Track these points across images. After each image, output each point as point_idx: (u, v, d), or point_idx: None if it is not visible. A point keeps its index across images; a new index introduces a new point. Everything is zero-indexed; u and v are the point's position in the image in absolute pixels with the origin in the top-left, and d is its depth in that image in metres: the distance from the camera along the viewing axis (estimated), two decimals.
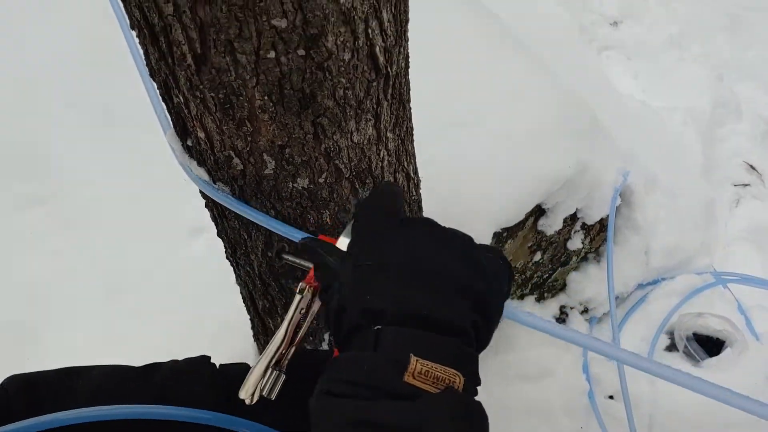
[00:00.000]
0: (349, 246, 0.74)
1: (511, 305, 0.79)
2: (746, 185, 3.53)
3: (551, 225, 2.16)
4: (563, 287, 2.55)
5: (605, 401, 2.29)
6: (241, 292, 1.28)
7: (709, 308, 2.67)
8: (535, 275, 2.37)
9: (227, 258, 1.18)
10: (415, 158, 1.14)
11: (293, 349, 0.90)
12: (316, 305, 0.91)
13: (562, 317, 2.53)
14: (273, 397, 0.86)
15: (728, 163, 3.60)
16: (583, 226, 2.36)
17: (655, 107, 3.55)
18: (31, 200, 2.61)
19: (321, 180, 0.92)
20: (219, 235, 1.15)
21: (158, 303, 2.21)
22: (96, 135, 2.62)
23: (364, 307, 0.64)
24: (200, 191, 1.02)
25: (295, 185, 0.92)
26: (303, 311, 0.90)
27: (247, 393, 0.83)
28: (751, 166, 3.61)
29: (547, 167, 1.99)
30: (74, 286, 2.38)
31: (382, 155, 0.98)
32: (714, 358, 2.46)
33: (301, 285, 0.89)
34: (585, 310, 2.59)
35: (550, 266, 2.40)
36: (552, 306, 2.46)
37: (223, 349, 1.56)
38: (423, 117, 1.95)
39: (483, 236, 1.91)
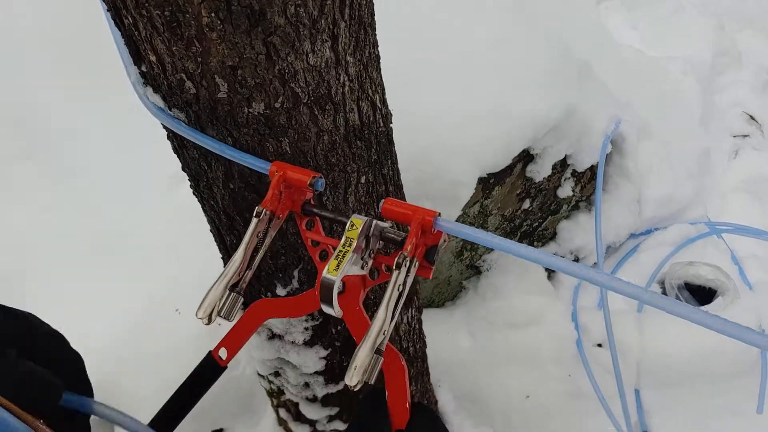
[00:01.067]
0: None
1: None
2: (745, 136, 3.48)
3: (540, 171, 2.13)
4: (553, 236, 2.53)
5: (593, 349, 2.28)
6: (210, 230, 1.26)
7: (702, 258, 2.65)
8: (524, 223, 2.34)
9: (193, 193, 1.15)
10: (382, 88, 1.11)
11: (251, 273, 0.88)
12: (274, 230, 0.90)
13: None
14: (231, 319, 0.85)
15: (728, 114, 3.54)
16: (574, 173, 2.33)
17: (654, 57, 3.48)
18: (18, 155, 2.59)
19: (277, 105, 0.89)
20: (183, 168, 1.13)
21: (146, 254, 2.21)
22: (81, 88, 2.58)
23: None
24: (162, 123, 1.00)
25: (250, 110, 0.89)
26: (260, 235, 0.88)
27: (204, 313, 0.82)
28: (751, 117, 3.54)
29: (534, 111, 1.95)
30: (62, 240, 2.37)
31: (342, 80, 0.94)
32: (704, 307, 2.44)
33: (258, 208, 0.87)
34: (576, 260, 2.56)
35: (539, 214, 2.37)
36: None
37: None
38: (406, 59, 1.91)
39: (467, 182, 1.88)
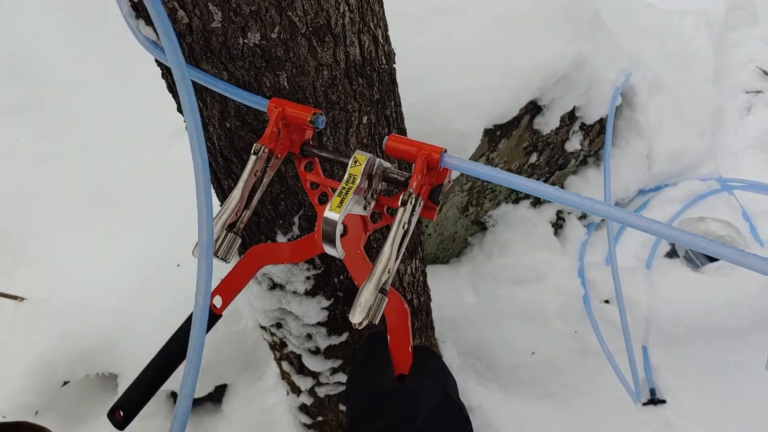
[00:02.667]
0: None
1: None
2: (758, 92, 3.40)
3: (547, 123, 2.07)
4: None
5: (600, 305, 2.25)
6: None
7: (712, 215, 2.60)
8: (531, 178, 2.29)
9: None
10: (385, 23, 1.06)
11: (249, 213, 0.85)
12: (272, 170, 0.86)
13: (559, 222, 2.47)
14: (229, 260, 0.82)
15: (741, 69, 3.46)
16: (582, 126, 2.27)
17: (667, 11, 3.39)
18: (15, 107, 2.55)
19: (274, 35, 0.85)
20: (178, 110, 1.08)
21: (145, 206, 2.18)
22: (76, 36, 2.53)
23: None
24: (155, 60, 0.95)
25: (245, 41, 0.85)
26: (258, 174, 0.85)
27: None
28: (765, 72, 3.46)
29: (542, 59, 1.89)
30: (61, 193, 2.34)
31: (342, 10, 0.89)
32: (715, 263, 2.40)
33: (255, 146, 0.83)
34: (583, 216, 2.52)
35: (547, 169, 2.32)
36: (548, 211, 2.40)
37: None
38: (412, 5, 1.85)
39: (474, 134, 1.83)
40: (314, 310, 1.32)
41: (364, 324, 0.68)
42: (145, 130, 2.27)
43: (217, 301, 0.95)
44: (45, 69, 2.51)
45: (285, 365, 1.63)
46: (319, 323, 1.37)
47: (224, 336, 1.97)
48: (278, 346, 1.56)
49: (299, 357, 1.52)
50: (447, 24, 1.82)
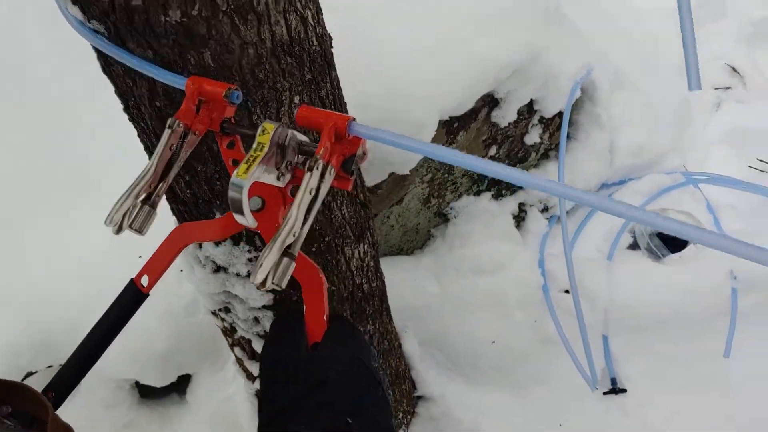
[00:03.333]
0: None
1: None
2: (728, 88, 3.45)
3: (504, 116, 2.10)
4: None
5: (560, 295, 2.28)
6: (147, 154, 1.25)
7: (677, 207, 2.64)
8: None
9: (124, 112, 1.13)
10: (316, 5, 1.07)
11: (165, 186, 0.87)
12: (190, 146, 0.88)
13: (521, 215, 2.50)
14: (144, 233, 0.84)
15: (710, 66, 3.51)
16: (541, 119, 2.30)
17: (635, 7, 3.43)
18: None
19: (194, 12, 0.86)
20: (115, 92, 1.10)
21: (120, 193, 2.18)
22: (52, 24, 2.53)
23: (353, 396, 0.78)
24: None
25: (167, 18, 0.86)
26: (174, 148, 0.87)
27: (112, 221, 0.80)
28: (734, 69, 3.51)
29: (496, 51, 1.92)
30: (33, 182, 2.35)
31: None
32: (676, 254, 2.44)
33: (170, 120, 0.85)
34: (545, 209, 2.55)
35: (507, 162, 2.35)
36: (511, 203, 2.43)
37: None
38: None
39: (429, 123, 1.86)
40: (258, 293, 1.34)
41: (269, 286, 0.70)
42: (121, 121, 2.28)
43: (144, 280, 0.96)
44: (22, 60, 2.52)
45: (237, 351, 1.65)
46: (264, 306, 1.38)
47: (184, 326, 1.98)
48: (229, 332, 1.58)
49: (249, 342, 1.53)
50: (403, 15, 1.85)
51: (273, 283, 0.70)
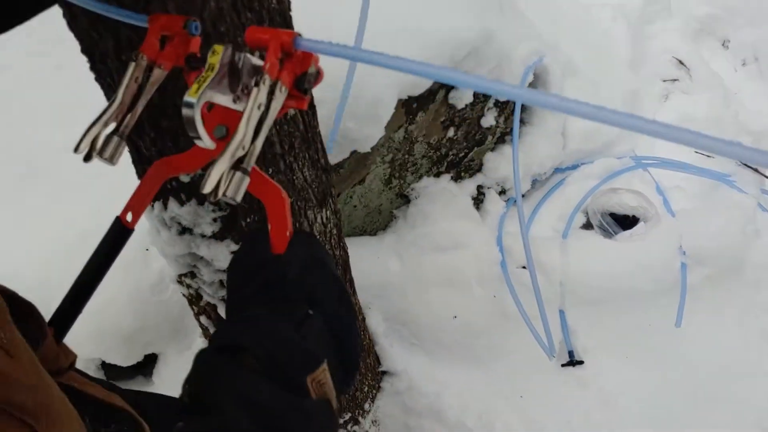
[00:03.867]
0: None
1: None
2: (675, 80, 3.59)
3: (461, 98, 2.18)
4: (480, 168, 2.59)
5: (517, 271, 2.36)
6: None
7: (627, 187, 2.74)
8: (450, 153, 2.40)
9: (91, 70, 1.16)
10: None
11: (133, 119, 0.89)
12: (158, 80, 0.91)
13: (479, 197, 2.58)
14: (114, 162, 0.85)
15: (657, 59, 3.65)
16: (496, 103, 2.39)
17: (585, 4, 3.56)
18: None
19: None
20: (81, 50, 1.14)
21: (76, 180, 2.20)
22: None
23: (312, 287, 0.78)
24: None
25: None
26: (139, 80, 0.90)
27: (80, 148, 0.83)
28: (680, 62, 3.65)
29: (451, 31, 1.99)
30: None
31: None
32: (627, 231, 2.54)
33: (134, 53, 0.89)
34: (503, 191, 2.63)
35: (465, 144, 2.43)
36: (469, 186, 2.50)
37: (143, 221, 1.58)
38: None
39: (387, 101, 1.92)
40: (223, 253, 1.38)
41: (222, 197, 0.73)
42: (76, 107, 2.30)
43: (129, 217, 0.98)
44: None
45: (203, 320, 1.68)
46: None
47: (151, 305, 2.01)
48: (195, 300, 1.61)
49: (215, 308, 1.57)
50: None
51: (226, 195, 0.73)
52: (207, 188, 0.71)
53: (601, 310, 2.41)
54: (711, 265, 2.51)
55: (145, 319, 2.02)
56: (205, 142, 0.78)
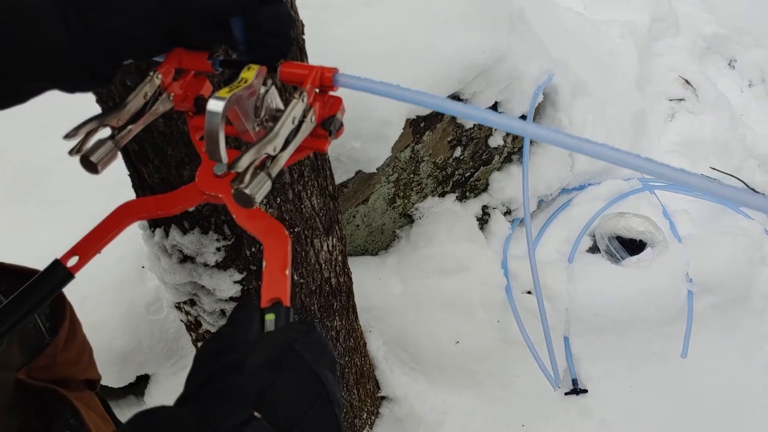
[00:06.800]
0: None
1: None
2: (681, 100, 3.55)
3: None
4: (486, 187, 2.53)
5: (522, 296, 2.30)
6: None
7: (634, 212, 2.70)
8: (456, 172, 2.34)
9: (94, 94, 1.10)
10: None
11: (133, 131, 0.81)
12: (163, 107, 0.83)
13: (484, 218, 2.53)
14: (99, 170, 0.76)
15: (664, 78, 3.61)
16: None
17: (593, 20, 3.51)
18: None
19: None
20: None
21: (68, 193, 2.14)
22: None
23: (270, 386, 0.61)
24: None
25: None
26: (147, 96, 0.82)
27: (73, 135, 0.74)
28: (687, 81, 3.62)
29: (462, 51, 1.94)
30: None
31: None
32: (634, 257, 2.49)
33: (152, 70, 0.81)
34: (508, 212, 2.58)
35: (471, 164, 2.37)
36: (474, 206, 2.45)
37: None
38: None
39: (395, 121, 1.87)
40: (226, 283, 1.32)
41: (242, 187, 0.66)
42: (67, 118, 2.24)
43: (74, 260, 0.87)
44: None
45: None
46: (232, 298, 1.37)
47: (145, 325, 1.94)
48: (193, 326, 1.55)
49: None
50: (369, 14, 1.86)
51: (247, 189, 0.65)
52: (239, 167, 0.65)
53: (606, 337, 2.36)
54: (717, 293, 2.47)
55: (140, 339, 1.95)
56: (221, 155, 0.70)
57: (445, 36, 1.92)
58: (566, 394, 2.27)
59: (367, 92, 0.74)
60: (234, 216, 0.83)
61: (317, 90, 0.76)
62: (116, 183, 2.03)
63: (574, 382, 2.28)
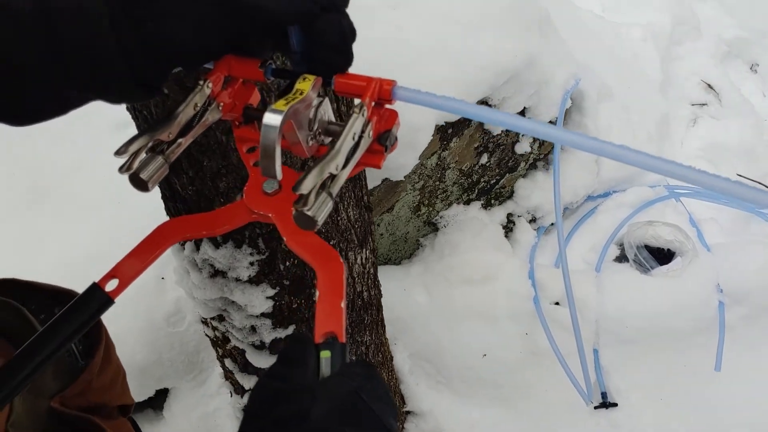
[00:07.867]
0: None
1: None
2: (703, 105, 3.49)
3: None
4: (511, 195, 2.47)
5: (550, 307, 2.24)
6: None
7: (661, 220, 2.63)
8: (482, 179, 2.28)
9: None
10: None
11: (182, 142, 0.75)
12: (211, 118, 0.78)
13: (509, 225, 2.47)
14: (149, 187, 0.70)
15: (686, 82, 3.55)
16: None
17: (614, 23, 3.46)
18: None
19: None
20: None
21: (84, 200, 2.09)
22: None
23: None
24: None
25: None
26: (197, 107, 0.76)
27: (124, 152, 0.68)
28: (709, 86, 3.55)
29: (493, 56, 1.88)
30: None
31: None
32: (664, 267, 2.43)
33: (203, 79, 0.75)
34: (533, 219, 2.52)
35: (497, 170, 2.31)
36: (499, 213, 2.39)
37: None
38: None
39: (426, 126, 1.81)
40: (258, 299, 1.26)
41: (308, 209, 0.61)
42: (83, 125, 2.19)
43: (113, 284, 0.78)
44: None
45: (228, 363, 1.56)
46: (263, 314, 1.31)
47: (165, 338, 1.88)
48: (220, 342, 1.49)
49: (243, 353, 1.45)
50: (398, 18, 1.80)
51: (310, 211, 0.61)
52: (304, 189, 0.60)
53: (637, 349, 2.30)
54: (748, 304, 2.40)
55: (159, 352, 1.89)
56: (276, 169, 0.64)
57: (475, 40, 1.86)
58: (596, 408, 2.20)
59: (428, 107, 0.70)
60: (285, 239, 0.77)
61: (374, 103, 0.71)
62: (132, 191, 2.01)
63: (604, 395, 2.21)
